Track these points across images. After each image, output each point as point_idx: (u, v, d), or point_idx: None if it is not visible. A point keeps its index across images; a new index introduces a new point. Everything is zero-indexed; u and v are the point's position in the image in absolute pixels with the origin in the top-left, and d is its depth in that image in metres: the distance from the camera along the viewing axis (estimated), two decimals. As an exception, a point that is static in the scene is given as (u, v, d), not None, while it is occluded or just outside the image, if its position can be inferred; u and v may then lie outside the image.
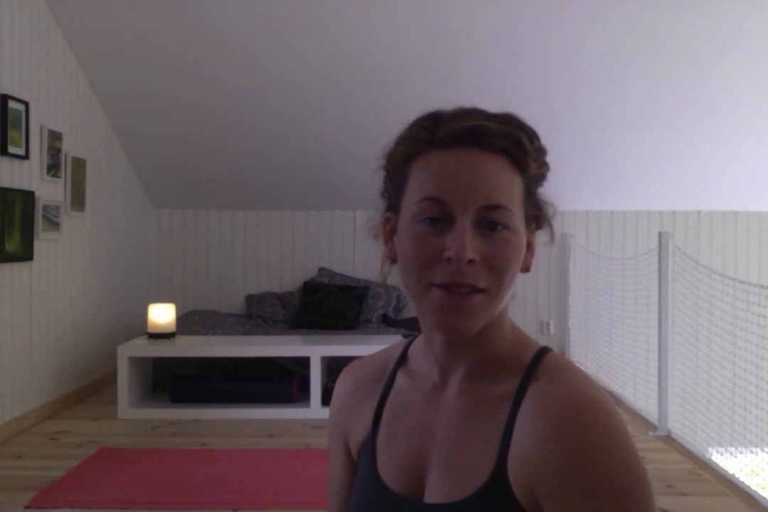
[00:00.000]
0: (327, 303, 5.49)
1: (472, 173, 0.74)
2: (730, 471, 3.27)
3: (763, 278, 5.51)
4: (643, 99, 4.82)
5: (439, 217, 0.74)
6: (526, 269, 0.80)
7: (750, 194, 5.70)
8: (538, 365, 0.78)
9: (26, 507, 2.86)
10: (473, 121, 0.75)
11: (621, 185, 5.64)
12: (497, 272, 0.74)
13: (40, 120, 4.12)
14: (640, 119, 4.99)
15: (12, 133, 3.79)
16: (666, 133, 5.10)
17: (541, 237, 0.83)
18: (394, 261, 0.82)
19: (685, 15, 4.18)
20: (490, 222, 0.74)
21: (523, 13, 4.20)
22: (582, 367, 5.50)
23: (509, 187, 0.75)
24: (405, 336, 0.95)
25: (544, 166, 0.80)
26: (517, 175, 0.76)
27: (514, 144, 0.75)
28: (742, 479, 3.18)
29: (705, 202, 5.82)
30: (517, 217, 0.76)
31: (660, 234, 4.03)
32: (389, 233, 0.83)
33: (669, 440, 3.79)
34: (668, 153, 5.30)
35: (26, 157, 3.94)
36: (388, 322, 5.59)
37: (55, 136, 4.26)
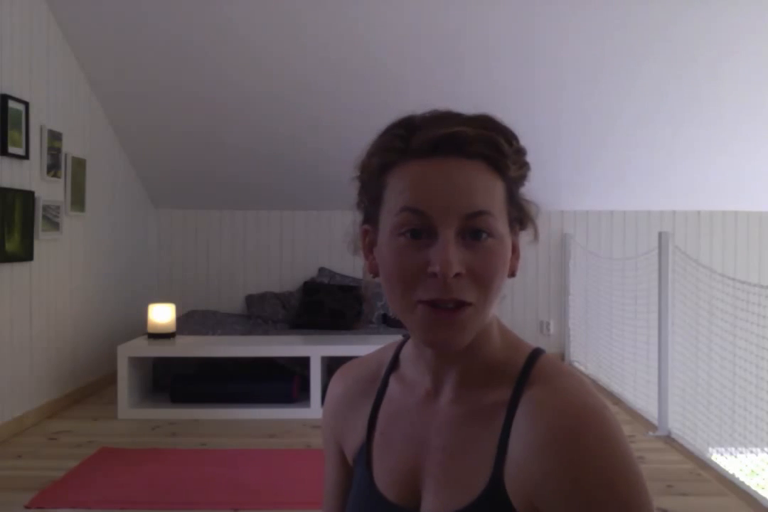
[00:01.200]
0: (327, 303, 5.49)
1: (450, 182, 0.72)
2: (730, 471, 3.26)
3: (763, 278, 5.51)
4: (644, 100, 4.82)
5: (419, 230, 0.72)
6: (512, 274, 0.78)
7: (750, 194, 5.70)
8: (531, 369, 0.77)
9: (26, 507, 2.86)
10: (448, 127, 0.73)
11: (621, 185, 5.64)
12: (484, 284, 0.72)
13: (40, 120, 4.12)
14: (641, 120, 4.99)
15: (12, 133, 3.79)
16: (666, 133, 5.10)
17: (525, 236, 0.81)
18: (375, 274, 0.79)
19: (688, 17, 4.18)
20: (473, 231, 0.72)
21: (529, 14, 4.19)
22: (581, 368, 5.50)
23: (490, 193, 0.73)
24: (405, 336, 0.94)
25: (524, 167, 0.78)
26: (497, 179, 0.75)
27: (492, 148, 0.74)
28: (742, 479, 3.18)
29: (705, 202, 5.82)
30: (500, 223, 0.74)
31: (660, 234, 4.03)
32: (369, 246, 0.80)
33: (669, 440, 3.79)
34: (668, 153, 5.30)
35: (26, 157, 3.94)
36: (388, 322, 5.59)
37: (55, 136, 4.26)
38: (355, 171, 0.80)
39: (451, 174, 0.73)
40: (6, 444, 3.71)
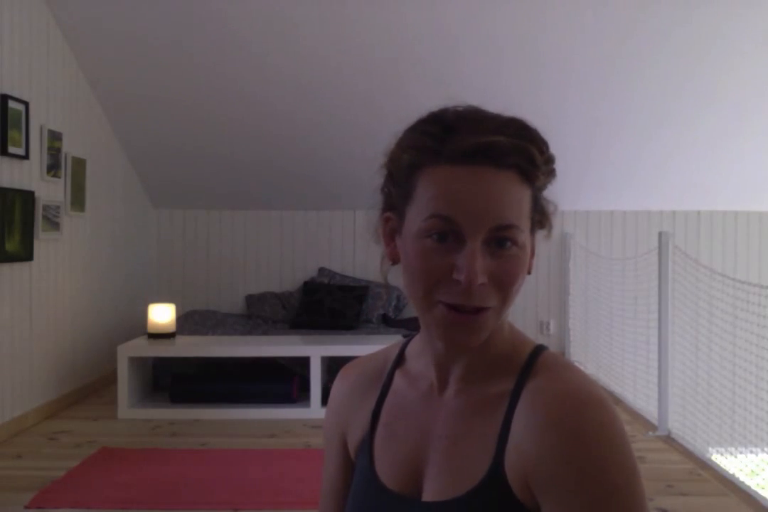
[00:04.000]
0: (327, 303, 5.49)
1: (482, 192, 0.73)
2: (730, 471, 3.27)
3: (763, 278, 5.51)
4: (642, 100, 4.82)
5: (446, 233, 0.73)
6: (527, 272, 0.80)
7: (750, 194, 5.70)
8: (534, 363, 0.79)
9: (26, 507, 2.86)
10: (485, 135, 0.73)
11: (621, 185, 5.64)
12: (505, 290, 0.75)
13: (40, 120, 4.12)
14: (640, 120, 4.99)
15: (12, 133, 3.79)
16: (666, 133, 5.10)
17: (539, 232, 0.82)
18: (395, 261, 0.81)
19: (685, 15, 4.18)
20: (499, 240, 0.73)
21: (522, 15, 4.20)
22: (581, 367, 5.52)
23: (519, 204, 0.75)
24: (405, 336, 0.95)
25: (551, 174, 0.79)
26: (526, 188, 0.76)
27: (525, 160, 0.74)
28: (742, 479, 3.18)
29: (705, 202, 5.82)
30: (525, 233, 0.75)
31: (660, 234, 4.03)
32: (390, 233, 0.81)
33: (669, 440, 3.79)
34: (668, 153, 5.29)
35: (26, 157, 3.94)
36: (388, 322, 5.59)
37: (55, 136, 4.26)
38: (382, 157, 0.81)
39: (483, 185, 0.73)
40: (6, 444, 3.71)
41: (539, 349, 0.81)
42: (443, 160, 0.74)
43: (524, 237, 0.75)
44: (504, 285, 0.74)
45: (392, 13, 4.20)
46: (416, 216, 0.76)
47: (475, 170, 0.73)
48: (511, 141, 0.73)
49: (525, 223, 0.76)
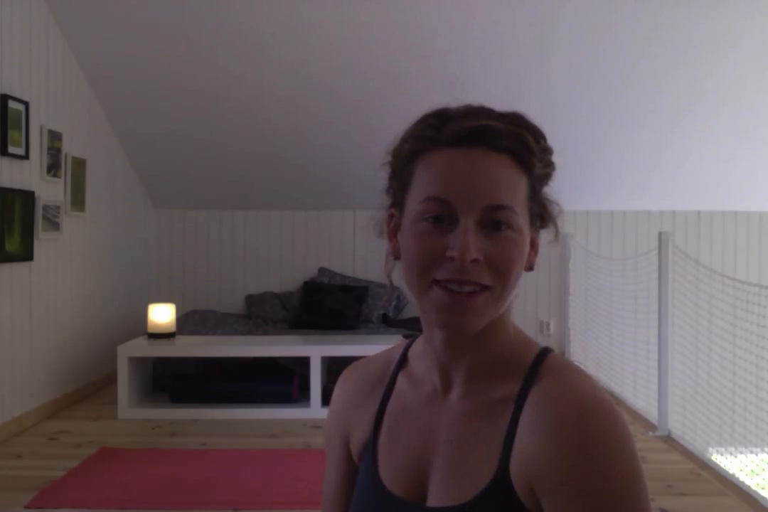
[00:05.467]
0: (327, 303, 5.49)
1: (476, 173, 0.74)
2: (730, 471, 3.26)
3: (763, 278, 5.51)
4: (643, 99, 4.82)
5: (441, 216, 0.74)
6: (529, 268, 0.80)
7: (750, 194, 5.70)
8: (540, 366, 0.78)
9: (26, 507, 2.86)
10: (479, 120, 0.75)
11: (621, 185, 5.64)
12: (501, 271, 0.74)
13: (40, 120, 4.12)
14: (641, 119, 4.99)
15: (12, 133, 3.79)
16: (666, 133, 5.10)
17: (545, 235, 0.83)
18: (397, 257, 0.81)
19: (686, 15, 4.18)
20: (494, 221, 0.73)
21: (525, 14, 4.20)
22: (582, 367, 5.53)
23: (513, 187, 0.75)
24: (405, 337, 0.94)
25: (549, 166, 0.79)
26: (522, 174, 0.76)
27: (519, 144, 0.75)
28: (742, 479, 3.18)
29: (705, 202, 5.82)
30: (521, 217, 0.75)
31: (660, 234, 4.03)
32: (393, 230, 0.82)
33: (669, 440, 3.79)
34: (668, 153, 5.30)
35: (26, 157, 3.94)
36: (388, 322, 5.59)
37: (55, 136, 4.26)
38: (386, 156, 0.82)
39: (476, 165, 0.74)
40: (6, 444, 3.70)
41: (545, 352, 0.81)
42: (438, 145, 0.76)
43: (521, 221, 0.75)
44: (500, 267, 0.74)
45: (405, 10, 4.19)
46: (413, 201, 0.77)
47: (469, 152, 0.74)
48: (505, 126, 0.75)
49: (521, 208, 0.75)
